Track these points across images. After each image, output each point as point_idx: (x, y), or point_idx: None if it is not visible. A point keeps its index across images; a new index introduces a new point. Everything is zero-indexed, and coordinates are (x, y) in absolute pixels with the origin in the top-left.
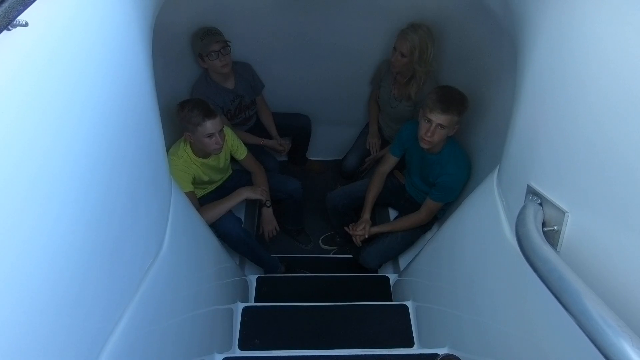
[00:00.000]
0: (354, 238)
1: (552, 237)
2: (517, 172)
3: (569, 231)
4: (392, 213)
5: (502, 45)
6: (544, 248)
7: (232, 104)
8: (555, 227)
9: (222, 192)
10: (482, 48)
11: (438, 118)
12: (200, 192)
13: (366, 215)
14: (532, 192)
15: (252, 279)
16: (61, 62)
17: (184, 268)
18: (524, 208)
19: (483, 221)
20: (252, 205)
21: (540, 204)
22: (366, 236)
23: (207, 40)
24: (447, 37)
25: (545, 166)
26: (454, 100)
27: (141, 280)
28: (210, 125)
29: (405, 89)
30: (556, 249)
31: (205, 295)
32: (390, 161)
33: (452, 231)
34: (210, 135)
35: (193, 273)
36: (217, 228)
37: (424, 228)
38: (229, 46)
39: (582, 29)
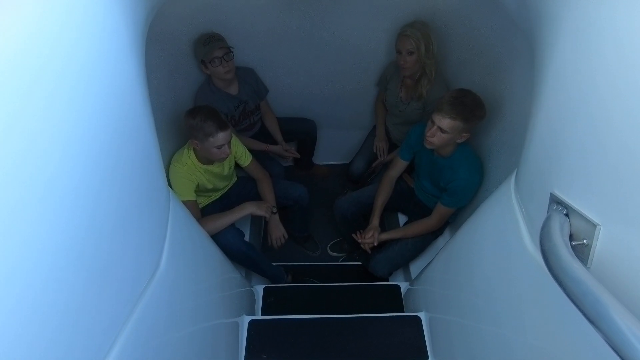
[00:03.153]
0: (362, 246)
1: (581, 252)
2: (538, 179)
3: (600, 245)
4: (402, 218)
5: (514, 41)
6: (575, 266)
7: (236, 110)
8: (584, 241)
9: (226, 200)
10: (491, 44)
11: (440, 120)
12: (204, 200)
13: (375, 221)
14: (556, 201)
15: (259, 290)
16: (42, 70)
17: (184, 285)
18: (548, 219)
19: (500, 230)
20: None
21: (566, 215)
22: (375, 243)
23: (210, 47)
24: (454, 34)
25: (571, 173)
26: (462, 106)
27: (137, 301)
28: (222, 137)
29: (415, 89)
30: (586, 265)
31: (208, 311)
32: (399, 165)
33: (467, 239)
34: (220, 146)
35: (194, 289)
36: (218, 241)
37: (435, 234)
38: (232, 52)
39: (613, 20)
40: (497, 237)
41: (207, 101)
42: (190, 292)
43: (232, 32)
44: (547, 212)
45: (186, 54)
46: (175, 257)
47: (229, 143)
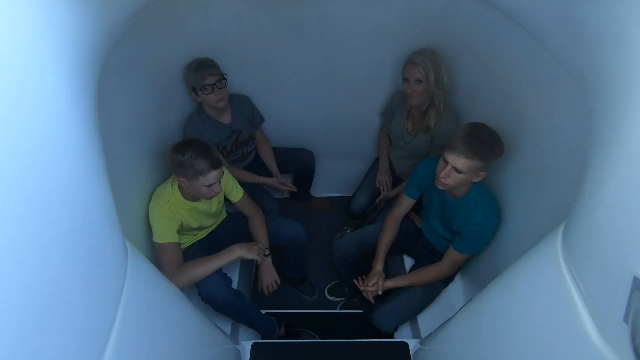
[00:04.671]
0: (365, 294)
1: None
2: (609, 253)
3: None
4: (407, 260)
5: (533, 68)
6: None
7: (228, 140)
8: None
9: (214, 238)
10: (508, 73)
11: (455, 161)
12: (189, 240)
13: (379, 266)
14: None
15: (246, 347)
16: None
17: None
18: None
19: (544, 301)
20: None
21: None
22: (379, 292)
23: (201, 73)
24: (464, 63)
25: None
26: (479, 144)
27: None
28: (214, 176)
29: (422, 121)
30: None
31: None
32: (406, 203)
33: (498, 303)
34: (210, 185)
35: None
36: (201, 290)
37: (446, 281)
38: (225, 79)
39: None
40: (540, 309)
41: (196, 130)
42: None
43: (226, 57)
44: (630, 299)
45: (176, 80)
46: (131, 327)
47: (220, 180)
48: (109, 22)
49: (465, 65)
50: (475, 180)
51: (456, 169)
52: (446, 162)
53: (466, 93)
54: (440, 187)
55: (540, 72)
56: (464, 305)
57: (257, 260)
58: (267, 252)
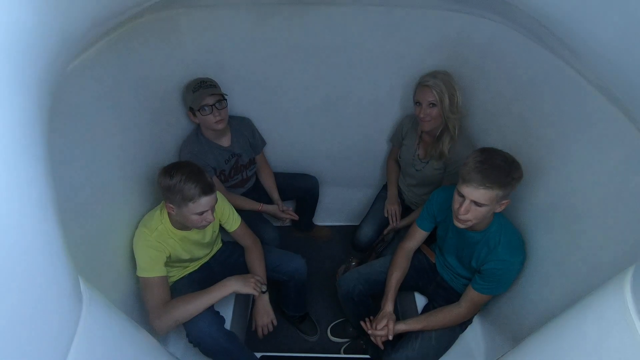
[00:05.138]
0: (373, 338)
1: None
2: None
3: None
4: (419, 298)
5: (561, 91)
6: None
7: (226, 164)
8: None
9: (206, 271)
10: (529, 96)
11: (472, 193)
12: (178, 273)
13: (388, 307)
14: None
15: None
16: None
17: None
18: None
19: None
20: None
21: None
22: (390, 337)
23: (200, 93)
24: (478, 85)
25: None
26: (496, 171)
27: None
28: (205, 203)
29: (435, 147)
30: None
31: None
32: (418, 236)
33: (551, 357)
34: (201, 213)
35: None
36: (189, 330)
37: (464, 324)
38: (225, 100)
39: None
40: None
41: (192, 153)
42: None
43: (227, 77)
44: None
45: (174, 101)
46: None
47: (212, 208)
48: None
49: (480, 88)
50: (498, 210)
51: (476, 202)
52: (462, 197)
53: (482, 117)
54: (462, 226)
55: (568, 92)
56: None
57: (253, 295)
58: (265, 288)
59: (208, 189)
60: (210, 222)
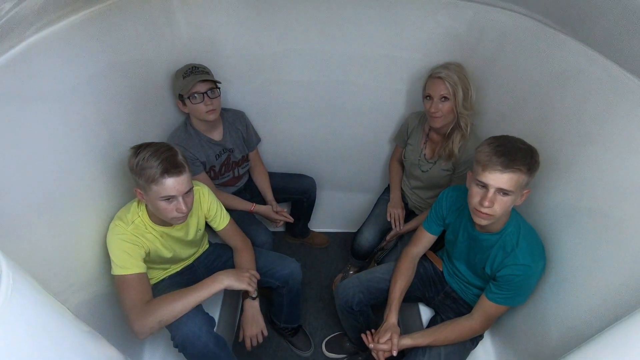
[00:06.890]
0: (374, 354)
1: None
2: None
3: None
4: (424, 310)
5: (593, 84)
6: None
7: (217, 160)
8: None
9: (189, 274)
10: (553, 89)
11: (498, 179)
12: (158, 275)
13: (392, 318)
14: None
15: None
16: None
17: None
18: None
19: None
20: (234, 294)
21: None
22: (394, 353)
23: (191, 79)
24: (491, 81)
25: None
26: (520, 153)
27: None
28: (170, 186)
29: (445, 146)
30: None
31: None
32: (424, 241)
33: None
34: (168, 199)
35: None
36: (175, 333)
37: (475, 339)
38: (219, 88)
39: None
40: None
41: (179, 145)
42: None
43: (222, 66)
44: None
45: (162, 89)
46: None
47: (184, 196)
48: None
49: (492, 84)
50: (519, 202)
51: (502, 189)
52: (484, 187)
53: (494, 115)
54: (485, 221)
55: (601, 85)
56: None
57: (244, 296)
58: (255, 294)
59: (173, 169)
60: (184, 214)
